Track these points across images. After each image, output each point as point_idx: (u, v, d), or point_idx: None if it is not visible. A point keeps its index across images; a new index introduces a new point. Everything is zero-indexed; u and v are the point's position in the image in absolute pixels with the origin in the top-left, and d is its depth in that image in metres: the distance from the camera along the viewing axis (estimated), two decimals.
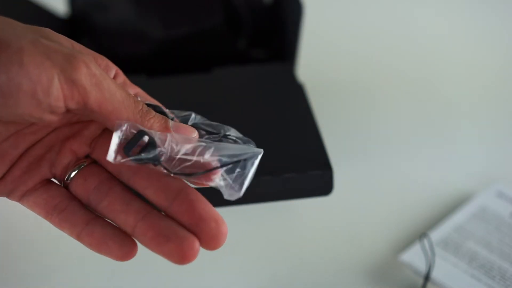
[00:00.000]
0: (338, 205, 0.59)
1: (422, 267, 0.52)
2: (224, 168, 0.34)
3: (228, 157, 0.34)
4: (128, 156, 0.33)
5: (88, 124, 0.37)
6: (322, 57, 0.78)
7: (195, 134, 0.36)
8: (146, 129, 0.34)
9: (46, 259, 0.54)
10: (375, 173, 0.64)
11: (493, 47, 0.83)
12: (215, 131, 0.37)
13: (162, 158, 0.34)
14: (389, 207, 0.60)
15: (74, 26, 0.70)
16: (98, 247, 0.34)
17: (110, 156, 0.33)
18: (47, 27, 0.34)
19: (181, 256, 0.32)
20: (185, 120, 0.38)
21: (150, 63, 0.67)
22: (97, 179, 0.36)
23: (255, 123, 0.54)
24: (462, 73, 0.78)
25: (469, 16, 0.88)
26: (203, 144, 0.34)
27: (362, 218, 0.59)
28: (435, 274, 0.52)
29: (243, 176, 0.34)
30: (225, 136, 0.37)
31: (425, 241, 0.54)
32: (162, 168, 0.34)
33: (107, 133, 0.37)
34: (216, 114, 0.56)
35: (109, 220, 0.35)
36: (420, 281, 0.52)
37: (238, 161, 0.34)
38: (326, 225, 0.59)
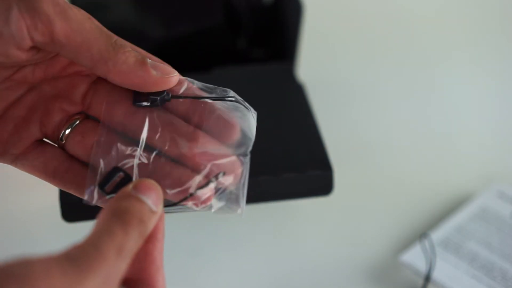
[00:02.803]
0: (338, 205, 0.59)
1: (422, 267, 0.52)
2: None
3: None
4: (104, 192, 0.32)
5: (73, 82, 0.35)
6: (322, 57, 0.78)
7: (175, 74, 0.33)
8: (120, 167, 0.33)
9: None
10: (375, 173, 0.64)
11: (494, 46, 0.83)
12: (212, 94, 0.35)
13: None
14: (389, 207, 0.60)
15: None
16: None
17: (86, 195, 0.32)
18: None
19: None
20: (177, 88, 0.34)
21: None
22: (95, 134, 0.34)
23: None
24: (462, 73, 0.78)
25: (471, 16, 0.87)
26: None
27: (362, 218, 0.59)
28: (436, 275, 0.52)
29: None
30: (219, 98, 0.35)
31: (426, 241, 0.54)
32: None
33: (100, 88, 0.35)
34: None
35: None
36: (421, 281, 0.52)
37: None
38: (326, 225, 0.58)
